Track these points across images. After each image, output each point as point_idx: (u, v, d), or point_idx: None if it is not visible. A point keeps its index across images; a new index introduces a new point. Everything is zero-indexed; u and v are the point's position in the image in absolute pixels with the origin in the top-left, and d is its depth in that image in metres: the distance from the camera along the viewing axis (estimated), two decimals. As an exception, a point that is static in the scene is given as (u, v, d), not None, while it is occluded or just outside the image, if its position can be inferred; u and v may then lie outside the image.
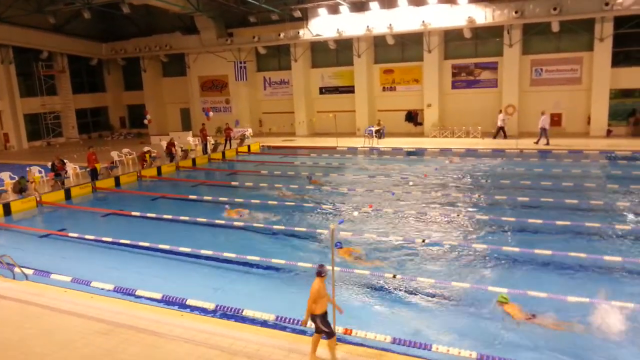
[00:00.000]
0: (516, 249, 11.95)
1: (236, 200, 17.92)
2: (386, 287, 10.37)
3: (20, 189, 19.56)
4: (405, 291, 10.15)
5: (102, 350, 8.08)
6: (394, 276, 10.57)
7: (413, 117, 33.00)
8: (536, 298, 9.21)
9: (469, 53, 31.04)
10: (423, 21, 29.34)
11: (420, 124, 32.62)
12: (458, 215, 15.15)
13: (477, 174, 20.92)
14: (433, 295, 9.96)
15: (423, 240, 12.92)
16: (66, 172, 21.73)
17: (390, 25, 30.19)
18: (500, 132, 28.24)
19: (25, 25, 34.34)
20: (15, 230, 16.25)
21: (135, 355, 7.87)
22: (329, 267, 7.61)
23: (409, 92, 32.75)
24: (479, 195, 17.21)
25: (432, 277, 10.60)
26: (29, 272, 11.48)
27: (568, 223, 13.58)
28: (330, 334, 7.42)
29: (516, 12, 27.34)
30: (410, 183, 19.78)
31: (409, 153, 26.76)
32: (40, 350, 8.16)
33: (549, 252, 11.48)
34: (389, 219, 15.14)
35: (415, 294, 10.02)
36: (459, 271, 11.11)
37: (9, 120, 35.19)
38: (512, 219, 14.33)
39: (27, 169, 21.32)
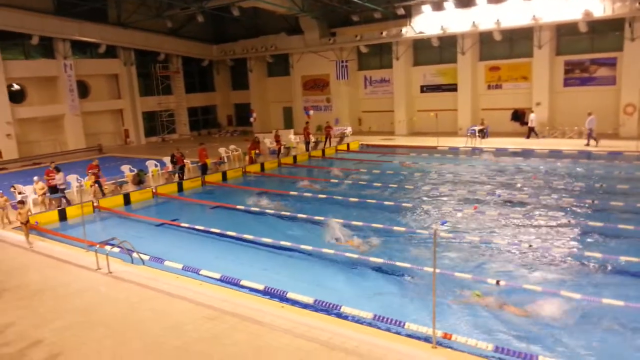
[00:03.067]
0: (635, 259, 11.01)
1: (334, 197, 18.19)
2: (488, 292, 10.01)
3: (139, 181, 21.21)
4: (509, 298, 9.73)
5: (210, 334, 8.57)
6: (498, 282, 10.18)
7: (519, 116, 31.46)
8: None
9: (584, 48, 28.99)
10: (534, 15, 27.89)
11: (527, 123, 30.99)
12: (569, 220, 14.26)
13: (590, 177, 19.55)
14: (538, 304, 9.45)
15: (530, 245, 12.32)
16: (184, 165, 23.06)
17: (497, 20, 29.01)
18: (531, 132, 28.29)
19: (145, 29, 37.30)
20: (134, 218, 17.66)
21: (240, 342, 8.27)
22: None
23: (516, 90, 31.30)
24: (592, 201, 16.05)
25: (538, 285, 10.08)
26: (146, 257, 12.42)
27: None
28: None
29: (640, 3, 25.15)
30: (517, 185, 18.91)
31: (515, 154, 25.55)
32: (154, 332, 8.81)
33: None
34: (493, 222, 14.61)
35: (520, 302, 9.57)
36: (568, 280, 10.47)
37: (130, 117, 38.39)
38: (630, 227, 13.23)
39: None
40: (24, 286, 11.29)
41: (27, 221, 14.22)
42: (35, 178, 18.69)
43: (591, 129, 25.33)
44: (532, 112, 28.73)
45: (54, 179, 18.70)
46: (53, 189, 18.70)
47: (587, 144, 25.32)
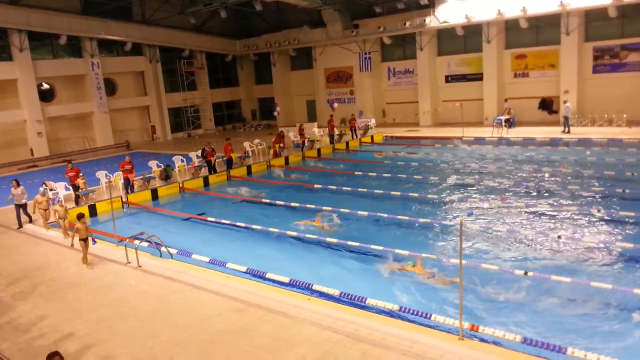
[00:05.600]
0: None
1: (359, 190, 18.18)
2: (516, 284, 9.90)
3: (166, 176, 21.52)
4: (537, 290, 9.61)
5: (237, 326, 8.69)
6: (526, 273, 10.05)
7: (547, 104, 30.87)
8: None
9: (614, 34, 28.16)
10: (561, 1, 27.19)
11: (556, 112, 30.39)
12: (599, 210, 13.97)
13: (621, 166, 19.09)
14: (567, 295, 9.32)
15: (559, 237, 12.12)
16: (216, 160, 23.29)
17: (523, 7, 28.39)
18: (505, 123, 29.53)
19: (169, 26, 37.65)
20: (162, 213, 17.94)
21: (267, 334, 8.36)
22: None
23: (543, 78, 30.67)
24: (623, 190, 15.68)
25: (567, 276, 9.91)
26: (174, 251, 12.63)
27: None
28: None
29: (674, -15, 24.32)
30: (546, 175, 18.58)
31: (543, 143, 25.11)
32: (183, 324, 8.96)
33: None
34: (521, 212, 14.41)
35: (548, 294, 9.45)
36: (599, 271, 10.28)
37: (156, 113, 38.90)
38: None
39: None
40: (57, 280, 11.60)
41: (87, 238, 12.51)
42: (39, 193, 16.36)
43: (566, 116, 26.20)
44: (506, 100, 30.23)
45: (75, 177, 18.85)
46: (75, 187, 18.97)
47: (564, 131, 26.28)
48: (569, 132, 26.19)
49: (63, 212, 14.83)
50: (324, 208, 15.83)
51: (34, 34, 31.06)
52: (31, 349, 8.52)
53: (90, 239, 12.82)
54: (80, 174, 19.23)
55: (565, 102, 27.03)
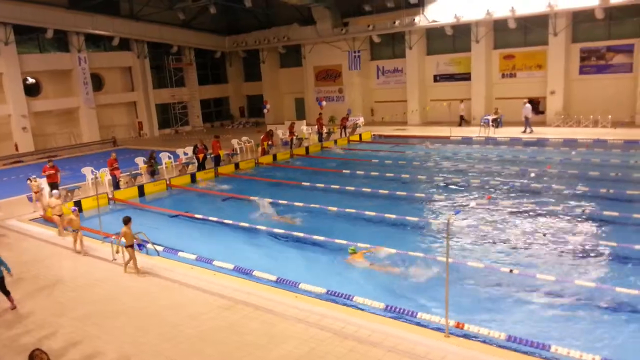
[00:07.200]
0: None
1: (347, 188, 18.22)
2: (501, 281, 10.02)
3: (152, 168, 21.35)
4: (522, 287, 9.73)
5: (226, 323, 8.69)
6: (511, 271, 10.16)
7: (535, 105, 31.11)
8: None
9: (601, 35, 28.48)
10: (549, 2, 27.42)
11: (542, 112, 30.69)
12: (584, 210, 14.15)
13: (606, 166, 19.33)
14: (552, 293, 9.45)
15: (544, 234, 12.27)
16: (206, 158, 23.17)
17: (512, 8, 28.60)
18: (462, 121, 31.42)
19: (158, 22, 37.39)
20: (149, 210, 17.83)
21: (254, 331, 8.38)
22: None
23: (530, 78, 30.93)
24: (608, 190, 15.89)
25: (552, 274, 10.05)
26: (160, 248, 12.57)
27: None
28: None
29: (659, -12, 24.63)
30: (532, 175, 18.76)
31: (529, 143, 25.34)
32: (171, 321, 8.95)
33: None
34: (507, 211, 14.55)
35: (533, 291, 9.56)
36: (583, 268, 10.43)
37: (143, 110, 38.62)
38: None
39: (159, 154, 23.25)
40: (43, 277, 11.51)
41: (133, 244, 11.52)
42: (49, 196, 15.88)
43: (527, 116, 26.92)
44: (461, 102, 31.36)
45: (54, 175, 18.16)
46: (52, 185, 18.56)
47: (524, 131, 27.02)
48: (525, 132, 26.87)
49: (78, 223, 13.31)
50: (312, 205, 15.87)
51: (20, 27, 30.66)
52: (15, 345, 8.45)
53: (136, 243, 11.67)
54: (33, 176, 17.73)
55: (525, 102, 27.58)
